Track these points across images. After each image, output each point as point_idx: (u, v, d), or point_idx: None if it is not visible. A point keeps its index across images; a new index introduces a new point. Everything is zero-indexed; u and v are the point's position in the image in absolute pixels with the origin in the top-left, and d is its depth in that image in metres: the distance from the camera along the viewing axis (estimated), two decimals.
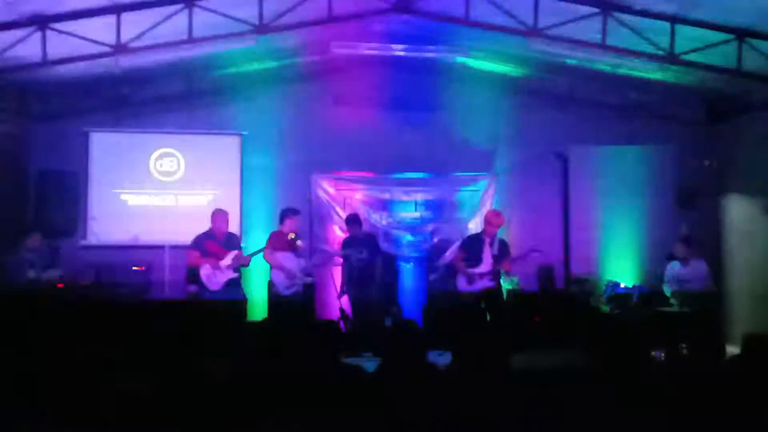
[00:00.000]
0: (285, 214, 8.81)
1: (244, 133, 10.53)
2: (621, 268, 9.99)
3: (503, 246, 8.75)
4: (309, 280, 9.00)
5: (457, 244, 9.54)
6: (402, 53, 9.70)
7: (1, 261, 8.57)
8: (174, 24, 7.83)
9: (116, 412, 4.24)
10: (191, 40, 8.05)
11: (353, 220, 9.57)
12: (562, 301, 9.62)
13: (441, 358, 6.10)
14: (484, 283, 8.61)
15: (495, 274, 8.65)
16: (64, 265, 9.26)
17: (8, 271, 8.42)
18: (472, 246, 8.82)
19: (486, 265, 8.62)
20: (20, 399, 3.77)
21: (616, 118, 10.57)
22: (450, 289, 9.13)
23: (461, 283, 8.76)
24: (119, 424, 4.04)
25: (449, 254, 10.05)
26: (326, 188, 10.74)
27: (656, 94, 10.12)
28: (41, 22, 7.55)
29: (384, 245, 10.21)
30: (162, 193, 10.37)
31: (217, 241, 8.52)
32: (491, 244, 8.68)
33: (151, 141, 10.42)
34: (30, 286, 8.38)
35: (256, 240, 9.59)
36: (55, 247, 9.51)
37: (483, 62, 10.48)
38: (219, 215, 8.66)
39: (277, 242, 8.69)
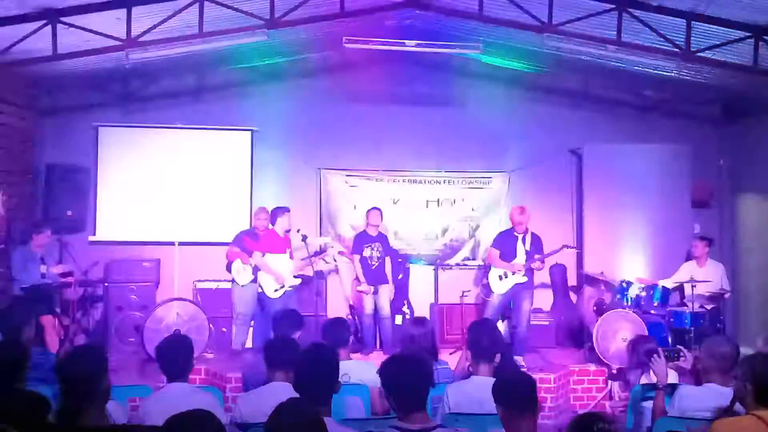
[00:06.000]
0: (276, 213, 8.85)
1: (254, 128, 10.48)
2: (635, 267, 9.88)
3: (536, 241, 8.68)
4: (298, 282, 8.97)
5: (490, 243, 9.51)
6: (414, 49, 9.63)
7: (11, 256, 8.56)
8: (184, 18, 7.78)
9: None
10: (202, 34, 8.00)
11: (372, 215, 9.48)
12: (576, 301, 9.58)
13: (451, 357, 6.05)
14: (517, 279, 8.55)
15: (528, 270, 8.57)
16: (72, 261, 9.25)
17: (17, 267, 8.40)
18: (505, 242, 8.77)
19: (519, 260, 8.56)
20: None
21: (631, 115, 10.50)
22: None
23: (494, 280, 8.71)
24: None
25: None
26: (337, 185, 10.69)
27: (671, 91, 10.03)
28: (51, 15, 7.50)
29: (395, 243, 10.14)
30: (171, 189, 10.32)
31: (256, 237, 8.71)
32: (523, 240, 8.63)
33: (160, 136, 10.38)
34: (39, 282, 8.37)
35: None
36: (64, 243, 9.51)
37: (496, 58, 10.41)
38: (256, 212, 9.18)
39: (268, 243, 8.72)
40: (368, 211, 9.60)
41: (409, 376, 3.55)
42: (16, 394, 3.63)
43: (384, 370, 3.62)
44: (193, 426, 2.86)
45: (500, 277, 8.64)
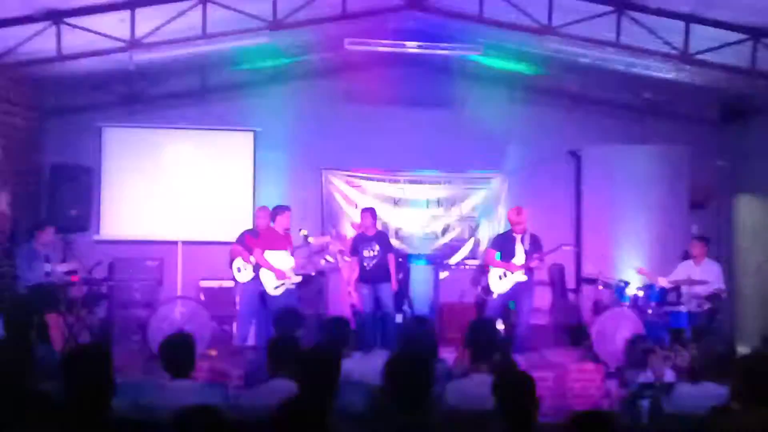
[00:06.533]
0: (276, 212, 8.88)
1: (257, 129, 10.55)
2: (633, 267, 9.94)
3: (535, 241, 8.76)
4: (298, 279, 9.01)
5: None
6: (415, 50, 9.69)
7: (16, 255, 8.60)
8: (188, 20, 7.84)
9: None
10: (205, 36, 8.06)
11: (369, 214, 9.53)
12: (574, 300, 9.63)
13: (452, 356, 6.11)
14: (517, 279, 8.62)
15: (527, 269, 8.64)
16: (77, 260, 9.29)
17: (21, 265, 8.44)
18: (504, 243, 8.85)
19: (518, 260, 8.63)
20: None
21: (630, 117, 10.54)
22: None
23: (493, 281, 8.78)
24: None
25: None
26: (338, 185, 10.76)
27: (670, 93, 10.07)
28: (56, 16, 7.56)
29: (395, 243, 10.20)
30: (175, 188, 10.40)
31: (256, 236, 8.76)
32: (522, 240, 8.70)
33: (164, 136, 10.45)
34: (44, 280, 8.42)
35: None
36: (68, 242, 9.57)
37: (496, 60, 10.46)
38: (257, 211, 9.22)
39: (268, 240, 8.76)
40: (362, 211, 9.66)
41: (411, 375, 3.62)
42: (22, 393, 3.66)
43: (386, 370, 3.68)
44: (198, 421, 2.93)
45: (500, 277, 8.71)
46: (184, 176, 10.41)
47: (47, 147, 9.96)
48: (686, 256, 9.09)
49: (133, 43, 7.99)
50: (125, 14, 7.68)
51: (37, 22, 7.58)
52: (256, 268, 8.81)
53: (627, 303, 8.78)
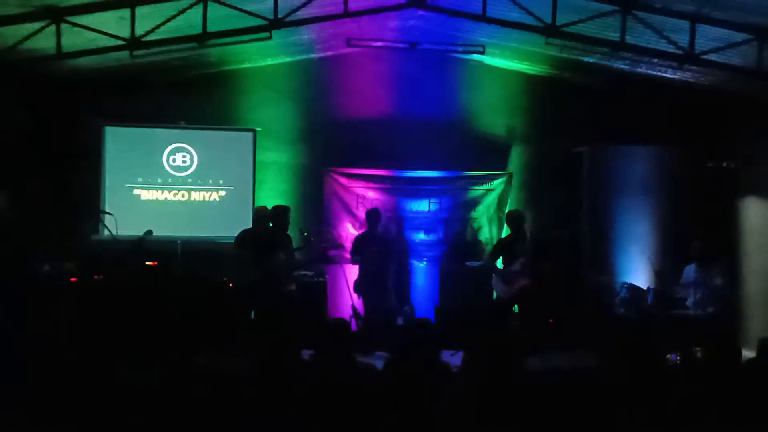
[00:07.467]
0: (276, 212, 8.79)
1: (257, 128, 10.51)
2: (636, 269, 9.89)
3: (536, 243, 8.71)
4: (303, 279, 8.94)
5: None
6: (418, 49, 9.65)
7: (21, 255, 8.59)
8: (188, 18, 7.82)
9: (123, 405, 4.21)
10: (205, 34, 8.03)
11: (373, 215, 9.50)
12: (576, 302, 9.58)
13: (453, 358, 6.05)
14: (521, 282, 8.57)
15: (530, 272, 8.59)
16: (76, 260, 9.25)
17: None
18: (505, 246, 8.81)
19: (521, 263, 8.59)
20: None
21: (634, 117, 10.46)
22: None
23: (498, 285, 8.73)
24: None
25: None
26: (339, 185, 10.70)
27: (675, 93, 10.01)
28: (56, 14, 7.55)
29: (396, 243, 10.14)
30: (175, 188, 10.38)
31: (256, 238, 8.60)
32: (524, 243, 8.66)
33: (164, 136, 10.43)
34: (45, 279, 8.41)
35: None
36: (68, 241, 9.53)
37: (500, 59, 10.42)
38: (255, 212, 9.03)
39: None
40: (367, 212, 9.64)
41: None
42: None
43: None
44: None
45: (503, 281, 8.66)
46: (184, 176, 10.38)
47: (47, 146, 9.89)
48: (690, 258, 9.03)
49: (133, 42, 7.96)
50: (125, 12, 7.66)
51: (37, 20, 7.55)
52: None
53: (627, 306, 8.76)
